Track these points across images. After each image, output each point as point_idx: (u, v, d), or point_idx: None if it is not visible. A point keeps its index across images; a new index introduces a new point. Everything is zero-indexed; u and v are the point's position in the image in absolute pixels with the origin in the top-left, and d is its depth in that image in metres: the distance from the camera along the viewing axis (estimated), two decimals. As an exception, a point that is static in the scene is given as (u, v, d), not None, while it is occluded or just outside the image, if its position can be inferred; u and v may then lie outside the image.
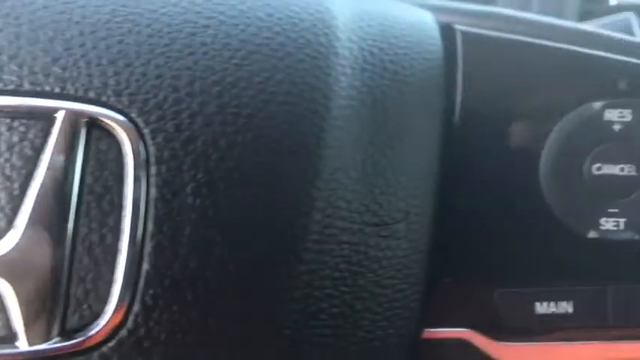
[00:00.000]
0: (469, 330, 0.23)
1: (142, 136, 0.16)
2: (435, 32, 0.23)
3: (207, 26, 0.18)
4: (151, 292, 0.16)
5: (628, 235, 0.22)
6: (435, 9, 0.24)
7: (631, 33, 0.37)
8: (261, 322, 0.17)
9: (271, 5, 0.19)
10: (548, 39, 0.23)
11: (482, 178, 0.22)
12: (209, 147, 0.17)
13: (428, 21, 0.23)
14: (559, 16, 0.52)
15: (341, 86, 0.19)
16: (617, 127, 0.22)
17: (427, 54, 0.22)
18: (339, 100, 0.19)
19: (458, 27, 0.23)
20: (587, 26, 0.25)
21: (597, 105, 0.22)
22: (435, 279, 0.22)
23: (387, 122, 0.20)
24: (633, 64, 0.23)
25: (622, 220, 0.22)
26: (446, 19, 0.24)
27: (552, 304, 0.22)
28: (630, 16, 0.37)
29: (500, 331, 0.23)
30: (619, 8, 0.52)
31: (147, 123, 0.16)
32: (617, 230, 0.22)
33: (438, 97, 0.21)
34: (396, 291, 0.20)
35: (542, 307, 0.22)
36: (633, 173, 0.22)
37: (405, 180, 0.20)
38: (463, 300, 0.23)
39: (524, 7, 0.51)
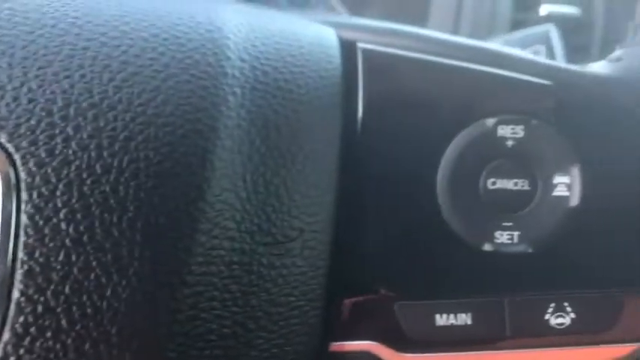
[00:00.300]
0: (374, 342, 0.23)
1: (12, 161, 0.16)
2: (334, 50, 0.23)
3: (86, 48, 0.18)
4: (21, 319, 0.16)
5: (522, 248, 0.22)
6: (338, 26, 0.25)
7: (550, 44, 0.38)
8: (142, 347, 0.17)
9: (157, 26, 0.19)
10: (445, 56, 0.23)
11: (381, 194, 0.23)
12: (84, 172, 0.16)
13: (328, 38, 0.23)
14: (491, 25, 0.53)
15: (229, 106, 0.19)
16: (510, 143, 0.23)
17: (324, 72, 0.22)
18: (226, 120, 0.19)
19: (359, 45, 0.24)
20: (486, 44, 0.25)
21: (490, 121, 0.23)
22: (337, 293, 0.23)
23: (280, 142, 0.20)
24: (524, 81, 0.23)
25: (516, 234, 0.22)
26: (349, 36, 0.24)
27: (452, 315, 0.23)
28: (550, 28, 0.39)
29: (403, 343, 0.23)
30: (548, 18, 0.54)
31: (17, 148, 0.16)
32: (512, 243, 0.22)
33: (335, 115, 0.22)
34: (293, 308, 0.21)
35: (441, 319, 0.23)
36: (526, 188, 0.23)
37: (299, 198, 0.20)
38: (367, 313, 0.23)
39: (457, 17, 0.52)
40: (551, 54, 0.38)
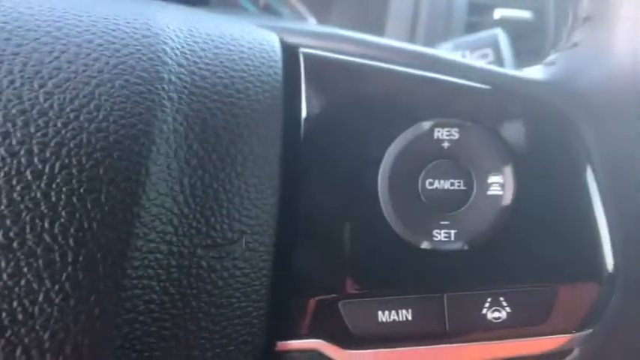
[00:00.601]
0: (319, 340, 0.24)
1: None
2: (276, 54, 0.23)
3: (16, 54, 0.18)
4: None
5: (458, 246, 0.23)
6: (281, 30, 0.25)
7: (498, 48, 0.39)
8: (77, 351, 0.17)
9: (91, 31, 0.19)
10: (384, 61, 0.24)
11: (324, 195, 0.23)
12: (13, 178, 0.16)
13: (270, 43, 0.24)
14: (447, 27, 0.54)
15: (165, 111, 0.19)
16: (446, 145, 0.23)
17: (265, 76, 0.22)
18: (162, 125, 0.19)
19: (301, 49, 0.24)
20: (426, 49, 0.26)
21: (427, 124, 0.23)
22: (282, 293, 0.23)
23: (218, 145, 0.20)
24: (461, 85, 0.24)
25: (453, 232, 0.23)
26: (292, 40, 0.25)
27: (393, 312, 0.23)
28: (498, 32, 0.40)
29: (348, 340, 0.24)
30: (501, 22, 0.56)
31: None
32: (449, 241, 0.23)
33: (276, 118, 0.22)
34: (235, 309, 0.21)
35: (384, 316, 0.23)
36: (462, 187, 0.23)
37: (239, 201, 0.21)
38: (313, 312, 0.24)
39: (414, 19, 0.53)
40: (499, 57, 0.39)
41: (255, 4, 0.69)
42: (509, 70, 0.26)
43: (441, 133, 0.23)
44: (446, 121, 0.23)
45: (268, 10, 0.70)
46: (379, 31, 0.58)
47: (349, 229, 0.23)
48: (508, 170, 0.23)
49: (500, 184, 0.23)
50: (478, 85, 0.25)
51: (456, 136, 0.23)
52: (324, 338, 0.24)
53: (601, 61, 0.25)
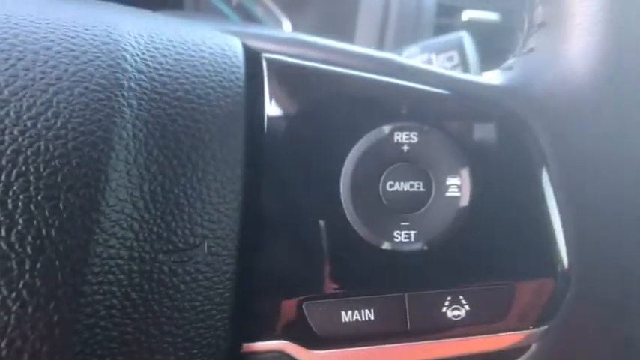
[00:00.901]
0: (285, 341, 0.24)
1: None
2: (238, 60, 0.24)
3: (-29, 62, 0.18)
4: None
5: (418, 246, 0.24)
6: (245, 36, 0.25)
7: (463, 50, 0.40)
8: (37, 359, 0.17)
9: (50, 38, 0.19)
10: (346, 67, 0.25)
11: (287, 198, 0.24)
12: None
13: (233, 48, 0.24)
14: (416, 29, 0.55)
15: (124, 118, 0.19)
16: (406, 149, 0.24)
17: (226, 82, 0.23)
18: (121, 131, 0.19)
19: (264, 55, 0.25)
20: (385, 54, 0.27)
21: (387, 128, 0.24)
22: (247, 295, 0.23)
23: (179, 151, 0.21)
24: (419, 89, 0.25)
25: (413, 232, 0.24)
26: (255, 45, 0.25)
27: (356, 312, 0.24)
28: (463, 35, 0.41)
29: (313, 340, 0.24)
30: (470, 23, 0.57)
31: None
32: (409, 242, 0.24)
33: (238, 124, 0.22)
34: (199, 312, 0.21)
35: (347, 316, 0.24)
36: (421, 189, 0.24)
37: (201, 206, 0.21)
38: (278, 313, 0.24)
39: (384, 20, 0.54)
40: (464, 60, 0.40)
41: (228, 4, 0.69)
42: (469, 75, 0.27)
43: (400, 137, 0.24)
44: (405, 125, 0.24)
45: (241, 10, 0.70)
46: (350, 32, 0.59)
47: (312, 231, 0.24)
48: (465, 173, 0.24)
49: (457, 186, 0.24)
50: (437, 90, 0.25)
51: (415, 139, 0.24)
52: (289, 339, 0.24)
53: (555, 65, 0.26)
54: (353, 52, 0.26)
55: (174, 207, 0.20)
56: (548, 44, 0.26)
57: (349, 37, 0.59)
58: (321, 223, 0.24)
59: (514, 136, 0.25)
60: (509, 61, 0.28)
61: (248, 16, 0.69)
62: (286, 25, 0.70)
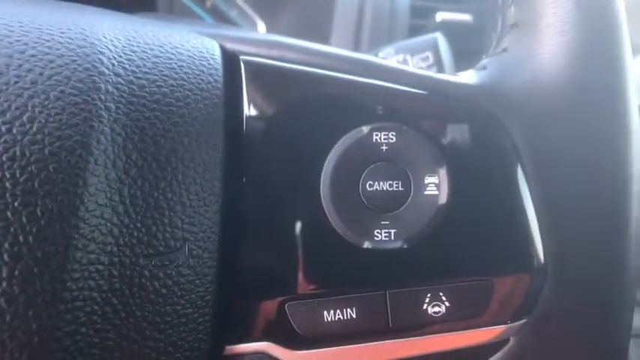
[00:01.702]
0: (268, 342, 0.24)
1: None
2: (216, 62, 0.24)
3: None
4: None
5: (398, 244, 0.24)
6: (222, 38, 0.25)
7: (437, 51, 0.41)
8: None
9: (23, 42, 0.19)
10: (324, 68, 0.25)
11: (268, 199, 0.24)
12: None
13: (211, 51, 0.24)
14: (390, 31, 0.56)
15: (102, 122, 0.19)
16: (384, 148, 0.24)
17: (205, 84, 0.23)
18: (99, 135, 0.19)
19: (242, 57, 0.25)
20: (361, 55, 0.27)
21: (366, 128, 0.24)
22: (230, 298, 0.23)
23: (158, 154, 0.20)
24: (394, 89, 0.25)
25: (393, 231, 0.24)
26: (233, 47, 0.25)
27: (338, 311, 0.24)
28: (438, 36, 0.41)
29: (296, 341, 0.24)
30: (443, 24, 0.58)
31: None
32: (389, 240, 0.24)
33: (217, 126, 0.22)
34: (181, 316, 0.21)
35: (329, 315, 0.24)
36: (400, 189, 0.24)
37: (181, 209, 0.21)
38: (260, 315, 0.24)
39: (359, 21, 0.54)
40: (438, 60, 0.40)
41: (202, 6, 0.68)
42: (445, 75, 0.27)
43: (379, 137, 0.24)
44: (383, 125, 0.24)
45: (215, 12, 0.69)
46: (326, 34, 0.59)
47: (293, 232, 0.24)
48: (443, 171, 0.24)
49: (435, 185, 0.24)
50: (414, 90, 0.26)
51: (394, 139, 0.24)
52: (272, 340, 0.24)
53: (528, 64, 0.27)
54: (330, 54, 0.26)
55: (154, 210, 0.20)
56: (521, 44, 0.27)
57: (324, 39, 0.60)
58: (302, 223, 0.24)
59: (489, 134, 0.26)
60: (483, 61, 0.29)
61: (222, 18, 0.69)
62: (261, 27, 0.70)
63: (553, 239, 0.25)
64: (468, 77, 0.28)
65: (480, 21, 0.59)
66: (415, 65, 0.40)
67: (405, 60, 0.40)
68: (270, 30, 0.69)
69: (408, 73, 0.26)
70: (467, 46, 0.58)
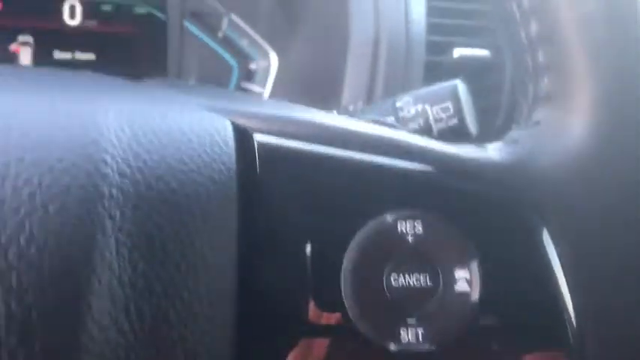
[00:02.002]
0: None
1: None
2: (229, 147, 0.22)
3: None
4: None
5: (426, 347, 0.22)
6: (234, 114, 0.24)
7: (458, 100, 0.39)
8: None
9: (23, 146, 0.17)
10: (339, 144, 0.23)
11: (284, 295, 0.22)
12: None
13: (223, 133, 0.22)
14: (406, 67, 0.54)
15: (106, 233, 0.17)
16: (410, 239, 0.22)
17: (217, 175, 0.21)
18: (103, 250, 0.17)
19: (256, 138, 0.23)
20: (378, 128, 0.25)
21: (390, 217, 0.22)
22: None
23: (167, 261, 0.19)
24: (418, 172, 0.23)
25: (420, 331, 0.22)
26: (246, 124, 0.23)
27: None
28: (457, 83, 0.39)
29: None
30: (460, 60, 0.56)
31: None
32: (416, 342, 0.22)
33: (231, 220, 0.21)
34: None
35: None
36: (429, 284, 0.22)
37: (192, 319, 0.19)
38: None
39: (375, 53, 0.52)
40: (459, 109, 0.38)
41: (214, 37, 0.67)
42: (473, 150, 0.25)
43: (404, 227, 0.22)
44: (409, 214, 0.22)
45: (227, 43, 0.68)
46: (341, 63, 0.57)
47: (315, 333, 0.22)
48: (474, 265, 0.23)
49: (467, 280, 0.22)
50: (441, 171, 0.24)
51: (420, 229, 0.22)
52: None
53: (562, 141, 0.25)
54: (346, 130, 0.24)
55: (163, 324, 0.18)
56: (555, 118, 0.25)
57: (339, 71, 0.58)
58: (322, 323, 0.22)
59: (521, 218, 0.24)
60: (514, 133, 0.27)
61: (234, 49, 0.67)
62: (273, 57, 0.68)
63: (589, 317, 0.24)
64: (499, 152, 0.26)
65: (497, 56, 0.57)
66: (435, 116, 0.38)
67: (424, 110, 0.38)
68: (282, 61, 0.67)
69: (434, 151, 0.24)
70: (485, 82, 0.56)
